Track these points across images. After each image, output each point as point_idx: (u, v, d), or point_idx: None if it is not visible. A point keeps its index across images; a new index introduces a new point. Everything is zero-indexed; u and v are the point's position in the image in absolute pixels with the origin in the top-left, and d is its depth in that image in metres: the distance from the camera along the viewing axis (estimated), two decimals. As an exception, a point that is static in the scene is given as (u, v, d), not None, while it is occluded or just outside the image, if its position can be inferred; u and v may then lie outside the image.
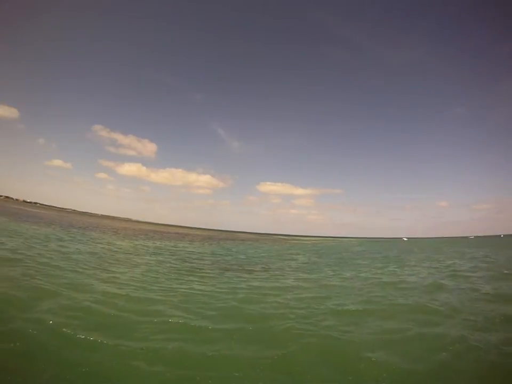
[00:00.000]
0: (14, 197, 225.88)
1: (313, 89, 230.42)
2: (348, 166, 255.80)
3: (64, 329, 5.12)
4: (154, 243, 27.11)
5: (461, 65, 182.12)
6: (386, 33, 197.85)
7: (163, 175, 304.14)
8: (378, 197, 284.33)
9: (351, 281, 11.91)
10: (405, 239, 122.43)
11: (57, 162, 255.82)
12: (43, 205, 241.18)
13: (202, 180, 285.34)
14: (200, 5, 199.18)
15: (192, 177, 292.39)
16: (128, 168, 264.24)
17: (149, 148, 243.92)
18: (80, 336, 4.96)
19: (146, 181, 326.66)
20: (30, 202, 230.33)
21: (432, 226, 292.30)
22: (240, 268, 14.87)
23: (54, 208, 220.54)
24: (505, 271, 13.58)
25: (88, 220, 73.95)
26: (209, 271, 13.19)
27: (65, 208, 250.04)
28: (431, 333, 5.92)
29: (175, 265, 14.05)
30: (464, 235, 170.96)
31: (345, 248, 42.55)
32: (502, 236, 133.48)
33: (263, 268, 15.60)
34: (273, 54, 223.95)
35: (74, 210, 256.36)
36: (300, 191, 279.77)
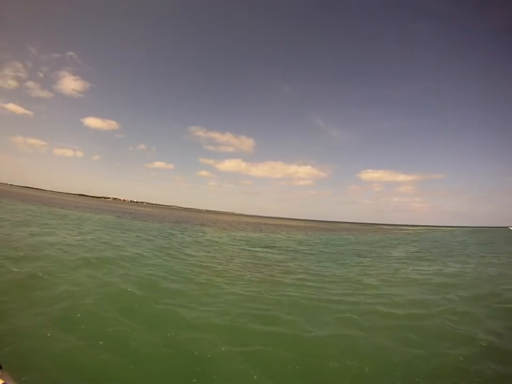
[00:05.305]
0: (121, 198, 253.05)
1: (410, 70, 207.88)
2: (450, 147, 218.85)
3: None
4: (259, 235, 27.58)
5: None
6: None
7: (263, 169, 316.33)
8: (483, 180, 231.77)
9: None
10: (511, 228, 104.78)
11: (159, 164, 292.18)
12: (149, 203, 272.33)
13: (302, 171, 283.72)
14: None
15: (292, 168, 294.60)
16: (228, 164, 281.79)
17: (246, 143, 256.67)
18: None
19: (247, 175, 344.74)
20: (136, 202, 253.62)
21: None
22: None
23: (159, 206, 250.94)
24: None
25: (193, 215, 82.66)
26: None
27: (171, 206, 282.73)
28: None
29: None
30: None
31: (461, 242, 35.20)
32: None
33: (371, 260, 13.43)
34: (363, 42, 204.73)
35: (178, 207, 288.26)
36: (401, 177, 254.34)
